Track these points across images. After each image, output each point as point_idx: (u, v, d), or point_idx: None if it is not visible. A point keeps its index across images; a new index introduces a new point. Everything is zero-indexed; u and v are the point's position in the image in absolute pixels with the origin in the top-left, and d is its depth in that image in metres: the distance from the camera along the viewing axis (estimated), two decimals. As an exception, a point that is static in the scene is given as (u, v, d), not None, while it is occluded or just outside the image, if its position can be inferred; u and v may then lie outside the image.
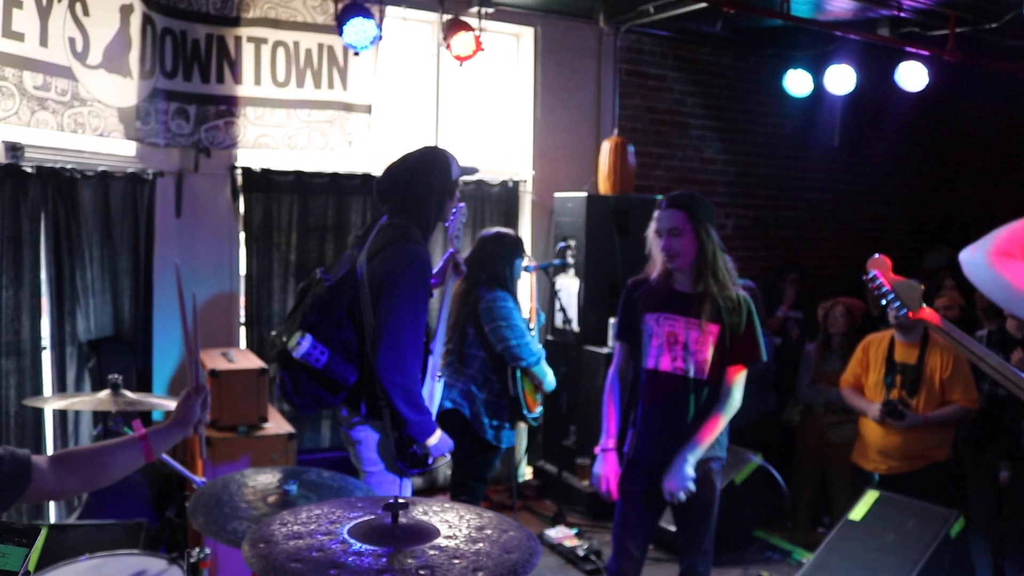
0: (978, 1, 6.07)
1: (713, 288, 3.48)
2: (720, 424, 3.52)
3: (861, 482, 4.88)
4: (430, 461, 3.50)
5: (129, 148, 5.13)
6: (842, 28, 6.63)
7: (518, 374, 4.59)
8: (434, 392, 3.67)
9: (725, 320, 3.48)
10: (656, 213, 3.58)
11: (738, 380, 3.53)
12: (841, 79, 6.87)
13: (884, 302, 2.87)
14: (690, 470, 3.42)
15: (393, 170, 3.52)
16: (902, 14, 6.27)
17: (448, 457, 3.58)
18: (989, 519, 4.98)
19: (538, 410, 4.80)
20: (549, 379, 4.73)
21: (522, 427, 6.62)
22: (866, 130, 8.60)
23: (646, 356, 3.59)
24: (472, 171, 3.72)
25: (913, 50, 6.58)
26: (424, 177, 3.46)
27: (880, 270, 2.90)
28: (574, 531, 5.43)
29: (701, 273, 3.49)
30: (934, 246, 9.13)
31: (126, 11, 4.86)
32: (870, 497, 4.64)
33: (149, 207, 5.15)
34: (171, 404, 3.67)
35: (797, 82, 7.14)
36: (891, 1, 6.12)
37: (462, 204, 4.01)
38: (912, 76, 6.68)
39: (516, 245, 4.73)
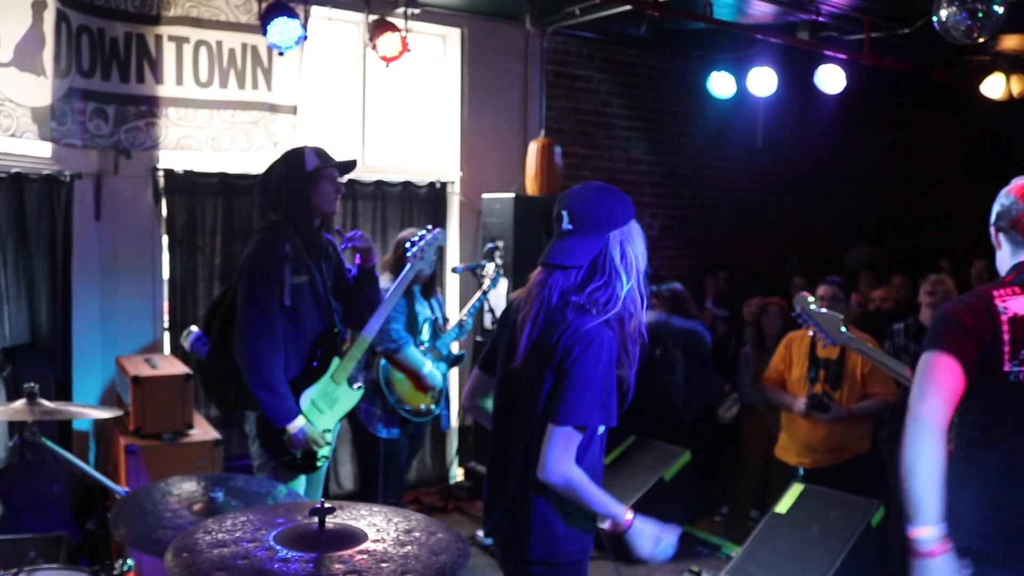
0: (892, 7, 6.26)
1: None
2: None
3: (786, 476, 4.99)
4: (319, 461, 3.67)
5: (44, 149, 4.99)
6: (763, 31, 6.77)
7: (383, 361, 4.65)
8: (336, 395, 3.78)
9: None
10: None
11: None
12: (763, 81, 7.00)
13: (812, 334, 3.16)
14: None
15: (261, 174, 3.82)
16: (820, 18, 6.43)
17: (326, 457, 3.74)
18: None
19: (424, 406, 4.79)
20: (427, 371, 4.74)
21: (453, 428, 6.63)
22: (788, 131, 8.79)
23: None
24: (348, 165, 3.83)
25: (831, 53, 6.75)
26: (275, 175, 3.72)
27: (804, 307, 3.20)
28: (506, 531, 5.42)
29: None
30: (854, 244, 9.39)
31: (39, 7, 4.72)
32: (795, 490, 4.76)
33: (67, 210, 5.01)
34: (91, 412, 3.59)
35: (720, 84, 7.26)
36: (810, 6, 6.27)
37: (437, 229, 4.30)
38: (831, 78, 6.85)
39: None
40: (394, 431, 4.74)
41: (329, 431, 3.75)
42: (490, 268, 5.18)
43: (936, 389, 2.35)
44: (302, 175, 3.67)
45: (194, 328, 3.80)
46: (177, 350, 5.45)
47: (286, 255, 3.58)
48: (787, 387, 5.06)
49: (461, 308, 5.19)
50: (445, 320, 5.04)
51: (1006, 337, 2.40)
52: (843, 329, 3.83)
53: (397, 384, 4.69)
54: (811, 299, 3.92)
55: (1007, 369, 2.40)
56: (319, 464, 3.72)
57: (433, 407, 4.86)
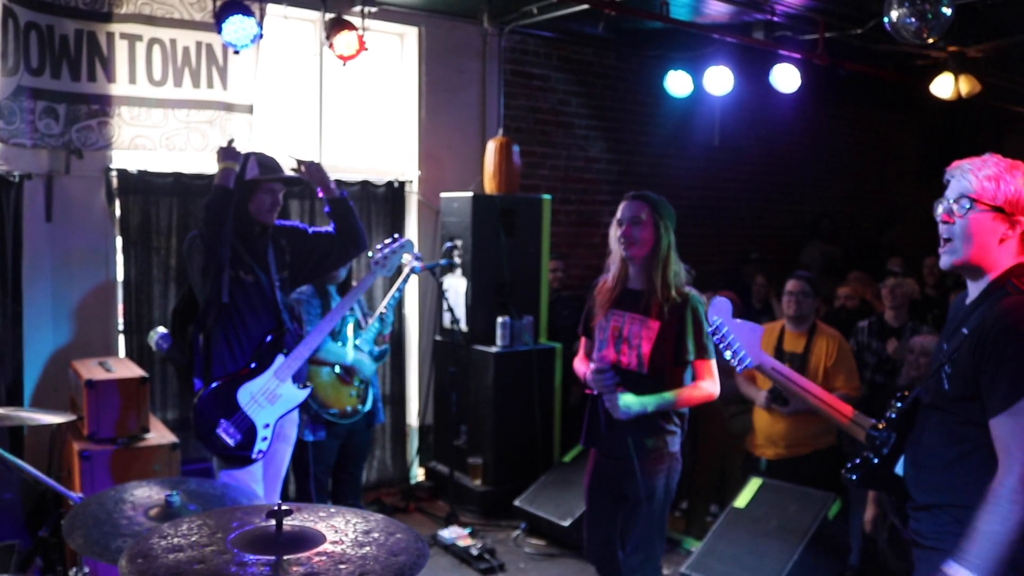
0: (845, 8, 6.35)
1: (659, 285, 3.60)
2: (686, 396, 3.52)
3: (748, 468, 5.06)
4: (253, 454, 3.77)
5: (-8, 149, 4.90)
6: (719, 31, 6.83)
7: None
8: (278, 391, 3.85)
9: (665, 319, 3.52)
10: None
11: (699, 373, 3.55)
12: (719, 80, 7.06)
13: (729, 354, 2.73)
14: (634, 406, 3.40)
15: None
16: (775, 18, 6.50)
17: (261, 451, 3.81)
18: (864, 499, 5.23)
19: (351, 407, 4.79)
20: (352, 359, 4.75)
21: (414, 428, 6.61)
22: (744, 130, 8.87)
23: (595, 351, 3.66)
24: (292, 181, 4.06)
25: (786, 53, 6.83)
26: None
27: (724, 316, 2.73)
28: (467, 530, 5.44)
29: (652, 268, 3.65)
30: (809, 241, 9.51)
31: (-14, 5, 4.63)
32: (754, 484, 4.82)
33: (16, 211, 4.93)
34: (42, 418, 3.52)
35: (677, 83, 7.31)
36: (764, 6, 6.33)
37: (405, 239, 4.34)
38: (785, 78, 6.92)
39: None
40: (320, 434, 4.75)
41: (268, 426, 3.84)
42: (407, 258, 5.02)
43: None
44: (240, 182, 3.81)
45: (162, 328, 4.24)
46: (132, 353, 5.37)
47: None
48: (756, 380, 5.13)
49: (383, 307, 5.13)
50: (366, 317, 5.02)
51: None
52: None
53: (319, 389, 4.67)
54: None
55: None
56: (254, 457, 3.79)
57: (360, 407, 4.84)
